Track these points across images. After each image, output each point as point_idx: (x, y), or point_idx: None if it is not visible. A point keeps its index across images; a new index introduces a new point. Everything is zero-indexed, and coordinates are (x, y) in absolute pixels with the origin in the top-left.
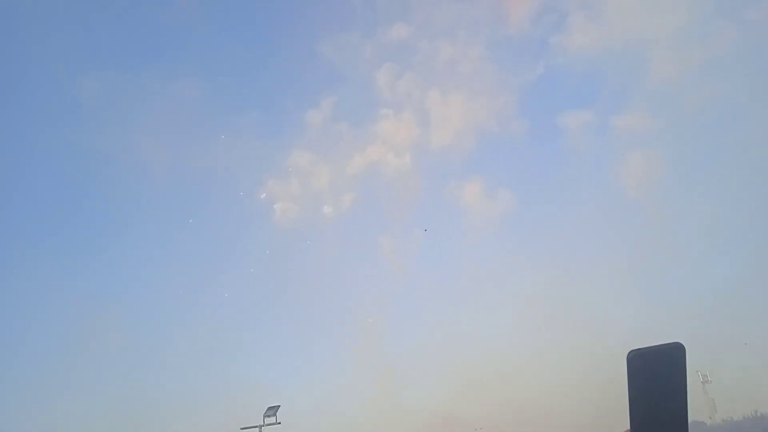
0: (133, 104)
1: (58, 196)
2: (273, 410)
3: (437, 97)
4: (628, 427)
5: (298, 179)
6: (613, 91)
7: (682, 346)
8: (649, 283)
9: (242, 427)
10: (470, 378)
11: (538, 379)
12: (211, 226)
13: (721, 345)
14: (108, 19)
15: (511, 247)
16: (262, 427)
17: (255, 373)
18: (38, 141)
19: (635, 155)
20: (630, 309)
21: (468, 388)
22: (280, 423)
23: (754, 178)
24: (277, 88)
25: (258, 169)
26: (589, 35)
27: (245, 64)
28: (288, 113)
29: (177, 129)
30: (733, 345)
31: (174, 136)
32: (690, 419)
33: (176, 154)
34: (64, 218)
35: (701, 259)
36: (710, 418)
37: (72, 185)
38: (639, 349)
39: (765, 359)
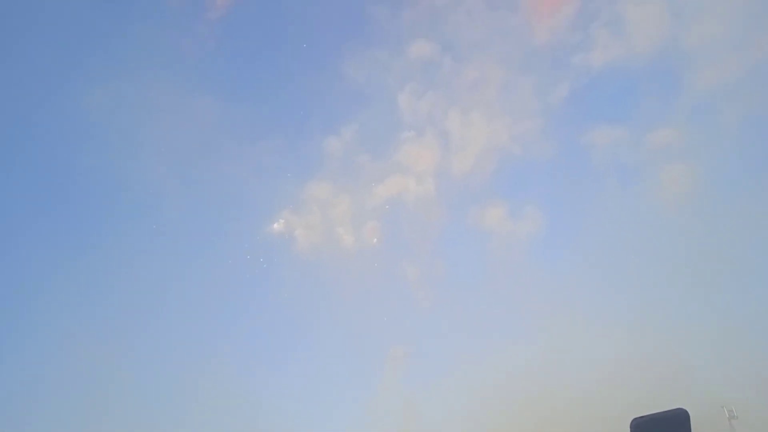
0: (145, 119)
1: (59, 212)
2: None
3: (460, 118)
4: None
5: (318, 209)
6: (644, 107)
7: (686, 412)
8: (683, 308)
9: None
10: (499, 411)
11: (570, 414)
12: (224, 258)
13: (749, 377)
14: (120, 25)
15: (540, 271)
16: None
17: (269, 420)
18: (40, 154)
19: (671, 171)
20: (662, 331)
21: (496, 423)
22: None
23: None
24: (298, 110)
25: (276, 199)
26: (617, 50)
27: (264, 83)
28: (308, 139)
29: (190, 150)
30: (761, 376)
31: (186, 157)
32: None
33: (188, 177)
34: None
35: (729, 283)
36: None
37: (71, 201)
38: (642, 416)
39: None
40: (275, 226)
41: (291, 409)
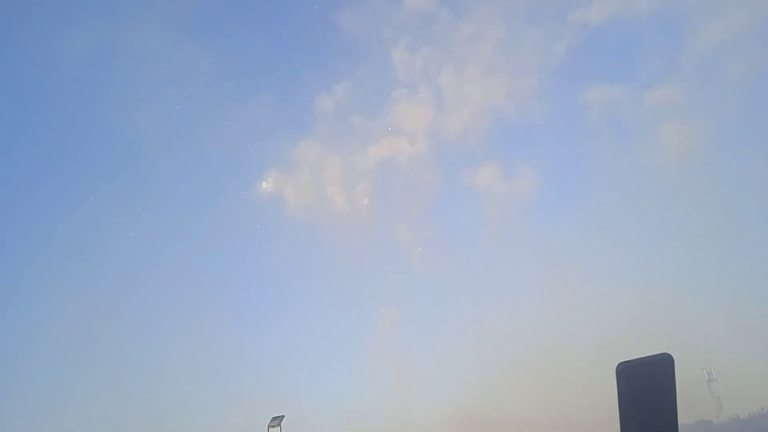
0: (135, 67)
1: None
2: (277, 420)
3: (454, 74)
4: None
5: (309, 169)
6: (644, 64)
7: (671, 356)
8: (666, 273)
9: None
10: (490, 372)
11: (561, 374)
12: (214, 218)
13: (728, 340)
14: None
15: (534, 230)
16: None
17: (261, 375)
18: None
19: (670, 129)
20: (643, 296)
21: (488, 383)
22: None
23: None
24: (291, 63)
25: (267, 158)
26: (617, 4)
27: (257, 33)
28: (299, 95)
29: (181, 101)
30: (739, 340)
31: (176, 109)
32: (696, 418)
33: (178, 129)
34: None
35: (726, 247)
36: (717, 416)
37: (61, 151)
38: (628, 361)
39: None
40: (265, 185)
41: (282, 366)
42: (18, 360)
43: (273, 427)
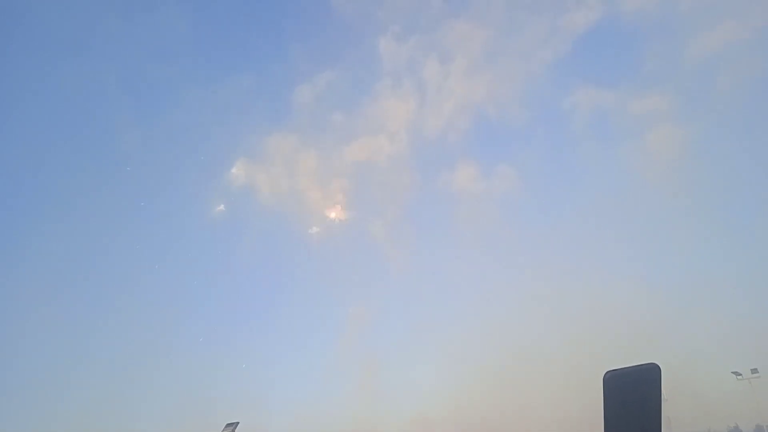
0: (102, 34)
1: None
2: (232, 426)
3: (439, 68)
4: None
5: (284, 162)
6: (634, 70)
7: (658, 366)
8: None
9: None
10: (464, 376)
11: (536, 382)
12: (180, 202)
13: (680, 363)
14: None
15: (513, 230)
16: None
17: (218, 377)
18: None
19: (657, 136)
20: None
21: (461, 388)
22: None
23: None
24: (274, 45)
25: (241, 146)
26: (608, 7)
27: (240, 7)
28: (279, 84)
29: (153, 78)
30: (690, 364)
31: (147, 87)
32: None
33: (147, 108)
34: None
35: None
36: None
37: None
38: (615, 370)
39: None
40: (236, 172)
41: (252, 354)
42: None
43: None
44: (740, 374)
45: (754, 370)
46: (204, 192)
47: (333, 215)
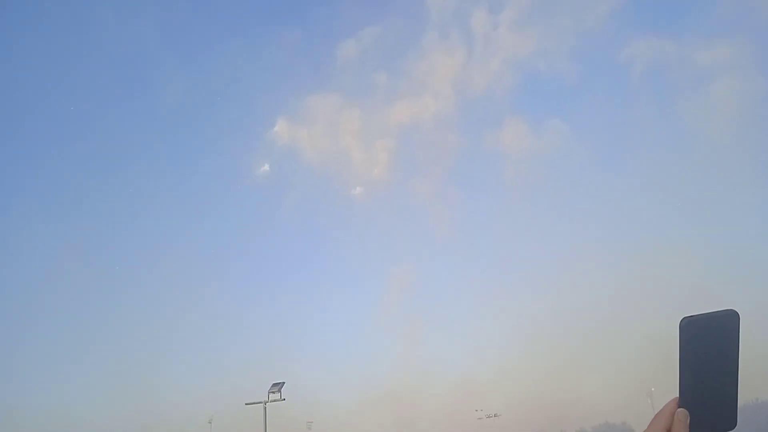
0: None
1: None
2: (278, 386)
3: (487, 19)
4: (677, 395)
5: (329, 121)
6: (695, 19)
7: (736, 313)
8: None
9: (247, 402)
10: (509, 340)
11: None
12: (224, 162)
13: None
14: None
15: (562, 190)
16: (267, 403)
17: (263, 339)
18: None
19: (720, 90)
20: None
21: (505, 351)
22: (284, 399)
23: None
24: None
25: (283, 104)
26: None
27: None
28: (323, 39)
29: (197, 34)
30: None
31: (191, 41)
32: None
33: (192, 63)
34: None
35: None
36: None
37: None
38: (692, 315)
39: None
40: (279, 131)
41: (296, 314)
42: None
43: (273, 392)
44: None
45: None
46: (248, 151)
47: (377, 175)
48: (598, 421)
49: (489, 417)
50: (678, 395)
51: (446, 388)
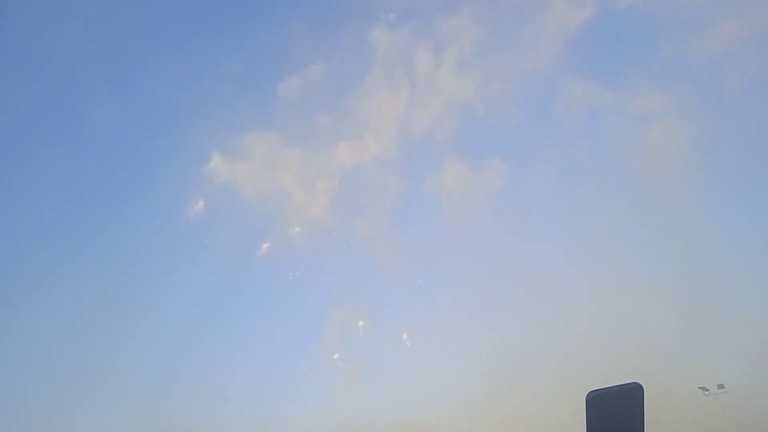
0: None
1: None
2: None
3: (432, 58)
4: None
5: (266, 160)
6: (634, 66)
7: (641, 386)
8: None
9: None
10: (454, 384)
11: (530, 386)
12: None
13: (647, 380)
14: None
15: (506, 230)
16: None
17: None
18: None
19: (658, 134)
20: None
21: (449, 393)
22: None
23: None
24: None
25: (217, 142)
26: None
27: None
28: (262, 79)
29: (120, 54)
30: (656, 380)
31: (115, 64)
32: None
33: (116, 87)
34: None
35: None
36: None
37: None
38: (598, 389)
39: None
40: (214, 167)
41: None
42: None
43: None
44: (707, 389)
45: (720, 386)
46: (182, 188)
47: (316, 215)
48: None
49: None
50: None
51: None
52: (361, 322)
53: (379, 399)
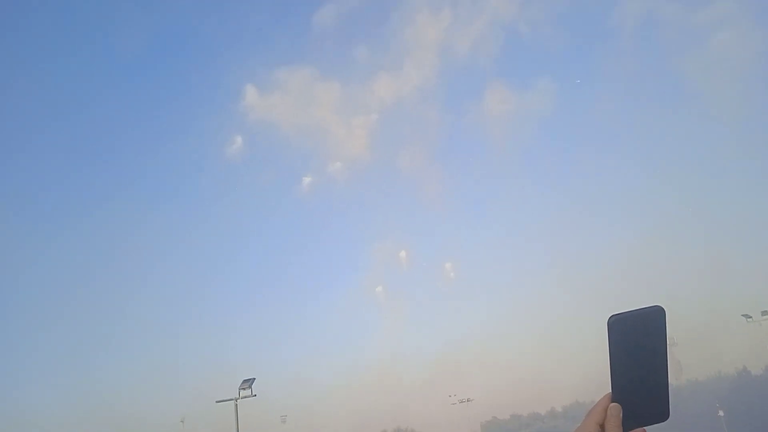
0: None
1: None
2: (248, 383)
3: None
4: (610, 391)
5: (305, 94)
6: None
7: (662, 309)
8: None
9: (217, 400)
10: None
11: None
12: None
13: (689, 307)
14: None
15: (548, 152)
16: (238, 400)
17: (231, 342)
18: None
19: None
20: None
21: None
22: (255, 396)
23: None
24: None
25: (257, 74)
26: None
27: None
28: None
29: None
30: (699, 308)
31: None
32: None
33: (159, 25)
34: None
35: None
36: (677, 379)
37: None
38: (619, 313)
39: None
40: (250, 102)
41: (279, 292)
42: None
43: (244, 389)
44: (750, 316)
45: (765, 312)
46: (219, 124)
47: (357, 151)
48: (569, 401)
49: (462, 402)
50: (611, 390)
51: (419, 376)
52: (403, 253)
53: (421, 330)
